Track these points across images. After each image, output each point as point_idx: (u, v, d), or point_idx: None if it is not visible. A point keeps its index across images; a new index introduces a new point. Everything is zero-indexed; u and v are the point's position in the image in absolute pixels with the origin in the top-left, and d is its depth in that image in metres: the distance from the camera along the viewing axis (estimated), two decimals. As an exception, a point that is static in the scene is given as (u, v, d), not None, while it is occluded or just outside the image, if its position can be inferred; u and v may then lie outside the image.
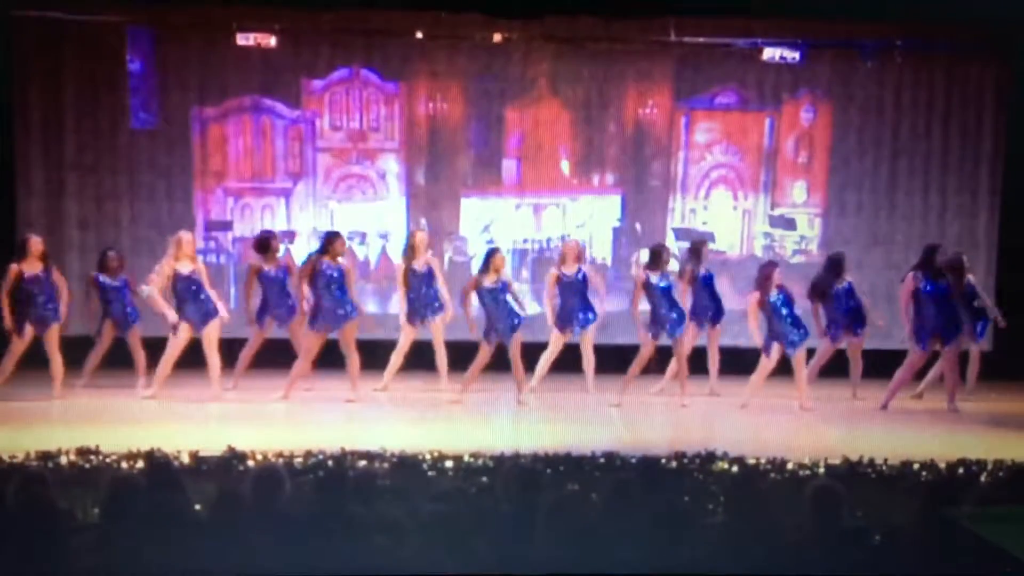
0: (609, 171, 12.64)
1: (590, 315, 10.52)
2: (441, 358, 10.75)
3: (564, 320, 10.54)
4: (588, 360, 10.60)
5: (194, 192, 12.32)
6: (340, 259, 10.16)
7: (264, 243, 10.49)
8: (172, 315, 10.01)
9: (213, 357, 10.06)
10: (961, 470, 7.24)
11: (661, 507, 5.08)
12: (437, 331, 10.74)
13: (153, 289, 9.99)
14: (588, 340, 10.60)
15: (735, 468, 7.16)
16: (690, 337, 10.57)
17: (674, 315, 10.19)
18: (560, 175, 12.60)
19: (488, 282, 10.15)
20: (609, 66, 12.41)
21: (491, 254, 10.36)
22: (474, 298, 10.29)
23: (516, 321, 10.17)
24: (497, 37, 12.25)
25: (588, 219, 12.60)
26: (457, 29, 12.25)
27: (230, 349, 10.48)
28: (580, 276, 10.52)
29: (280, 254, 10.72)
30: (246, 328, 10.62)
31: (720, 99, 12.61)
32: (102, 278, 10.44)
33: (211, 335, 10.07)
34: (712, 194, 12.72)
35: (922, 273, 10.24)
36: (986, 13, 11.15)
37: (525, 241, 12.59)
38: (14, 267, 9.89)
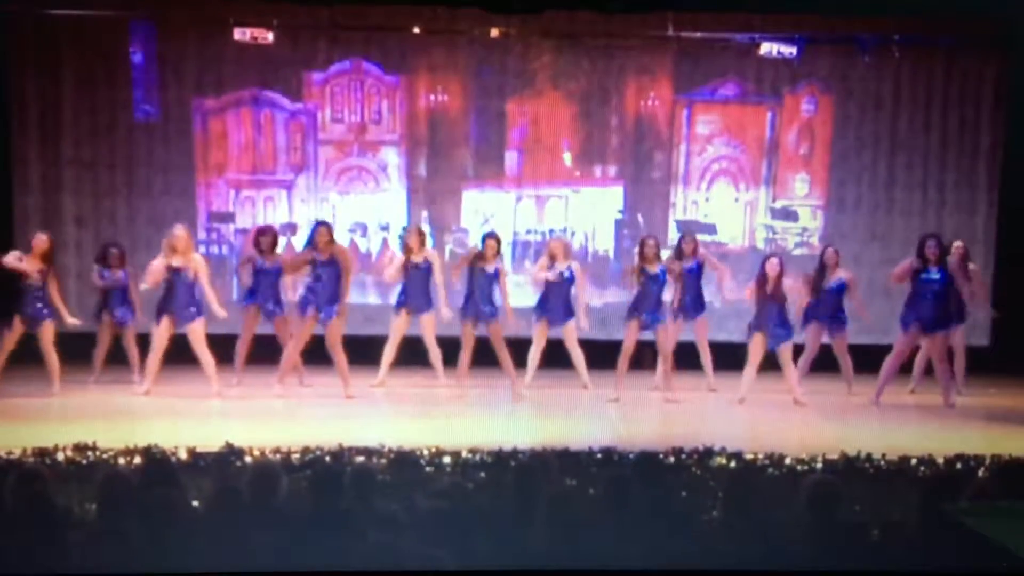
0: (611, 163, 12.63)
1: (566, 315, 10.56)
2: (435, 354, 10.67)
3: (544, 312, 10.58)
4: (576, 357, 10.64)
5: (196, 184, 12.31)
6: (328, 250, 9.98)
7: (255, 238, 10.55)
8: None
9: (204, 355, 9.88)
10: (959, 465, 7.24)
11: (659, 502, 5.09)
12: (427, 327, 10.65)
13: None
14: (571, 337, 10.62)
15: (733, 463, 7.16)
16: (673, 332, 10.47)
17: (655, 307, 10.17)
18: (561, 167, 12.58)
19: (483, 265, 10.11)
20: (609, 60, 12.38)
21: (486, 239, 10.29)
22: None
23: (495, 308, 10.13)
24: (495, 32, 12.22)
25: (590, 211, 12.60)
26: (455, 25, 12.22)
27: (230, 345, 10.50)
28: (569, 274, 10.52)
29: (277, 249, 10.66)
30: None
31: (721, 92, 12.59)
32: (104, 272, 10.47)
33: (196, 334, 9.87)
34: (714, 186, 12.71)
35: (919, 260, 10.17)
36: (984, 7, 11.12)
37: (528, 232, 12.59)
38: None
